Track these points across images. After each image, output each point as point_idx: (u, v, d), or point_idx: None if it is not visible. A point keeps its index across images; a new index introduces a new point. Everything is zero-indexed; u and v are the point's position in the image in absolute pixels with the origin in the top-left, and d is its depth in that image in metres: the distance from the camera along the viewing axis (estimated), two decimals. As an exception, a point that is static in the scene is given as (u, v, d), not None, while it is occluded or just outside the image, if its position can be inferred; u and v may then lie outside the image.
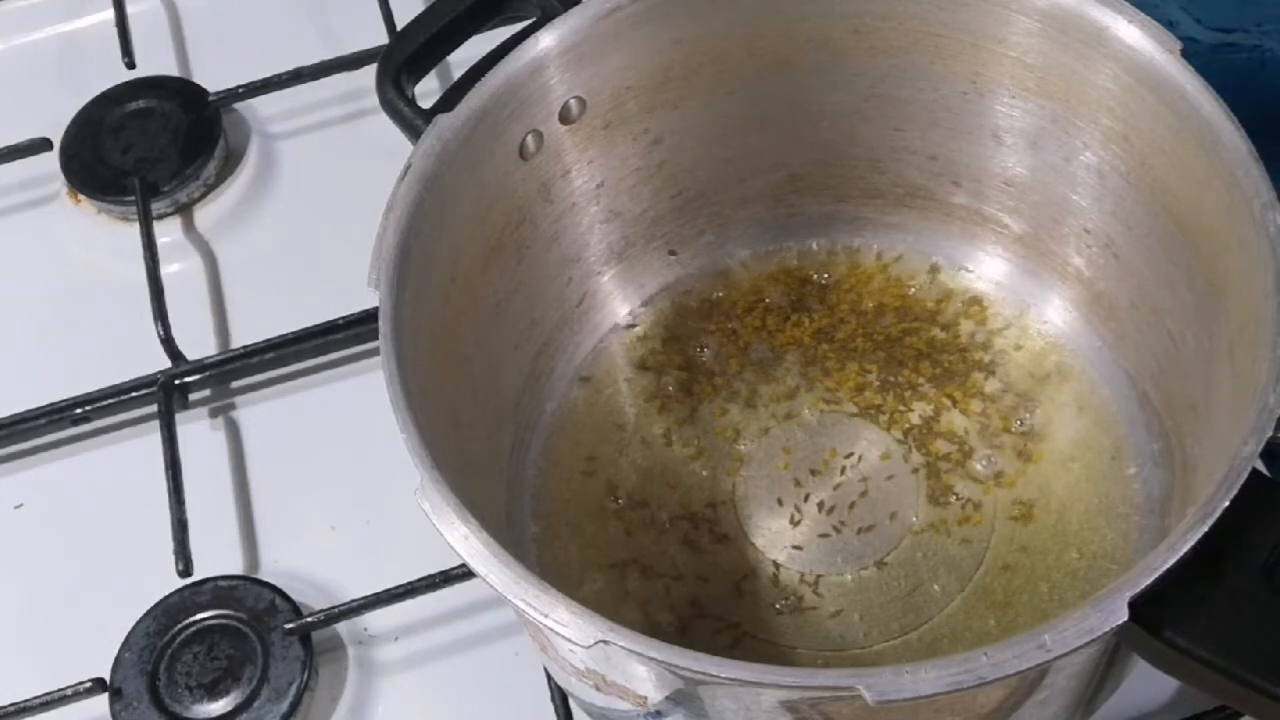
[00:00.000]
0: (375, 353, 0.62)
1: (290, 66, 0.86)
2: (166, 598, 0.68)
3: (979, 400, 0.68)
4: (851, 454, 0.68)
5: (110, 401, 0.76)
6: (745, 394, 0.70)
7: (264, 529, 0.73)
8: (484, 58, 0.61)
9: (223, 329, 0.80)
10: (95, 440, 0.77)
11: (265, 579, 0.69)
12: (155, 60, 0.91)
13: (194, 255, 0.84)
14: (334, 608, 0.67)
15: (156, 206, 0.83)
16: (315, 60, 0.86)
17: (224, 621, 0.68)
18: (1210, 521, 0.46)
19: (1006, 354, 0.70)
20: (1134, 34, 0.58)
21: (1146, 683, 0.58)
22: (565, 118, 0.63)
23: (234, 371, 0.78)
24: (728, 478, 0.68)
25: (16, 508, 0.75)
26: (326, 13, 0.93)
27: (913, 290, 0.72)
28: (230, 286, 0.82)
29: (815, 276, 0.73)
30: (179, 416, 0.75)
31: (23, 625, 0.72)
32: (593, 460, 0.69)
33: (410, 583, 0.66)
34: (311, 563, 0.71)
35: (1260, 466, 0.48)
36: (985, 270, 0.72)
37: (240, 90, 0.87)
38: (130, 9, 0.91)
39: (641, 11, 0.62)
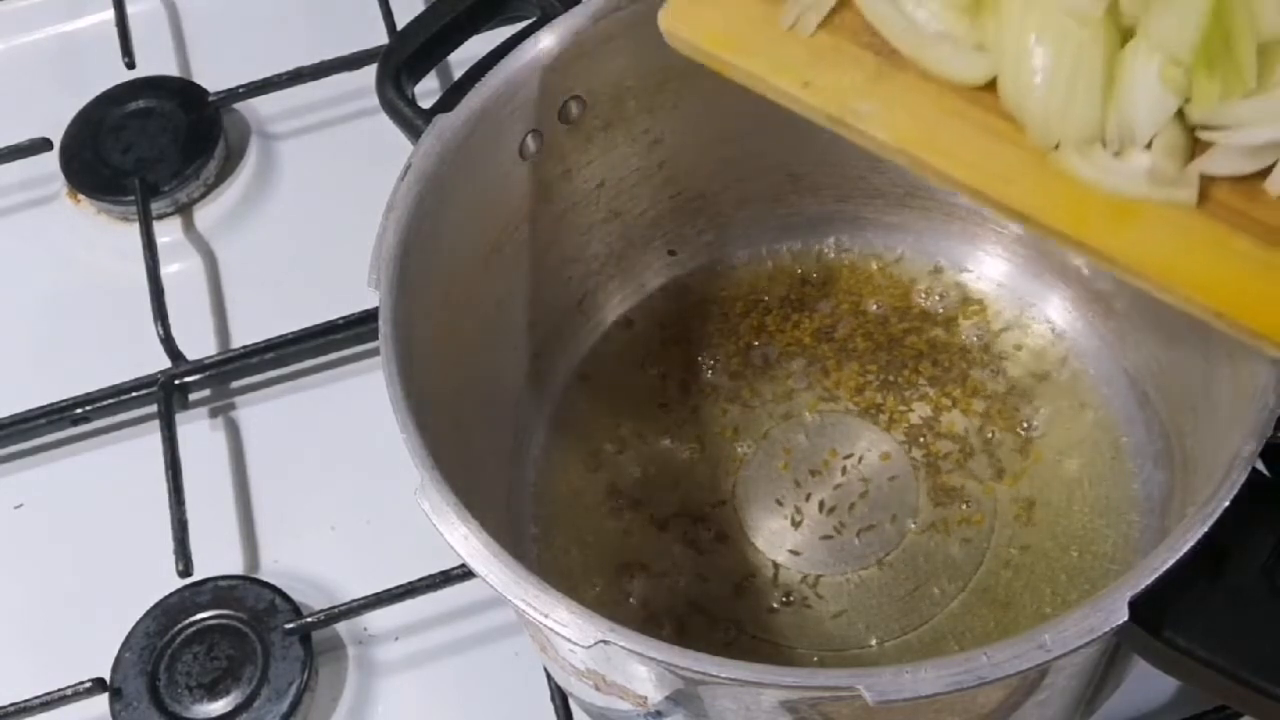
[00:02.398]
0: (375, 353, 0.62)
1: (290, 66, 0.86)
2: (166, 598, 0.68)
3: (979, 400, 0.68)
4: (852, 454, 0.68)
5: (110, 401, 0.76)
6: (745, 394, 0.70)
7: (264, 529, 0.73)
8: (484, 58, 0.61)
9: (223, 329, 0.80)
10: (95, 440, 0.77)
11: (265, 579, 0.69)
12: (155, 60, 0.91)
13: (194, 255, 0.84)
14: (334, 608, 0.67)
15: (156, 206, 0.83)
16: (315, 60, 0.86)
17: (224, 621, 0.68)
18: (1210, 521, 0.46)
19: (1007, 353, 0.70)
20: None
21: (1146, 683, 0.58)
22: (565, 118, 0.63)
23: (234, 371, 0.78)
24: (728, 478, 0.68)
25: (16, 508, 0.75)
26: (326, 13, 0.93)
27: (913, 290, 0.72)
28: (230, 286, 0.82)
29: (815, 276, 0.73)
30: (179, 416, 0.75)
31: (23, 625, 0.72)
32: (593, 460, 0.69)
33: (410, 583, 0.66)
34: (311, 563, 0.71)
35: (1260, 466, 0.48)
36: (986, 270, 0.72)
37: (240, 90, 0.87)
38: (130, 9, 0.91)
39: (641, 11, 0.62)
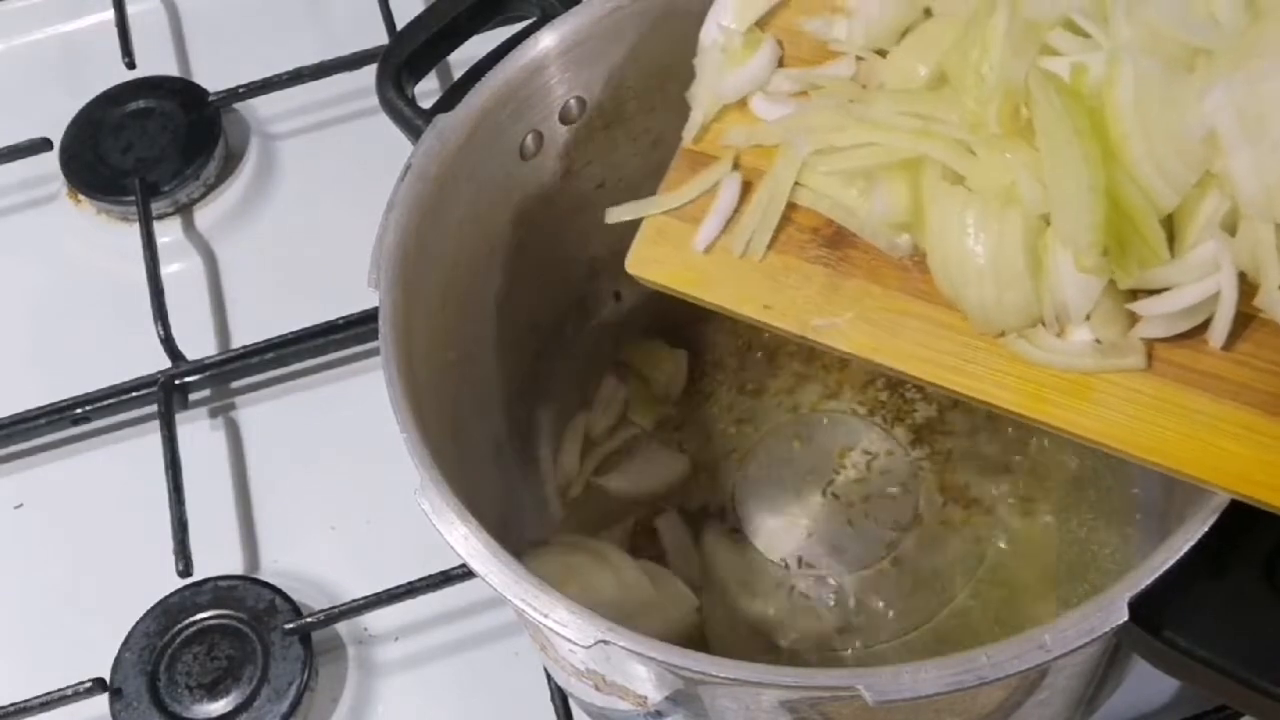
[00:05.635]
0: (375, 353, 0.62)
1: (290, 66, 0.86)
2: (166, 598, 0.68)
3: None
4: (854, 453, 0.68)
5: (110, 401, 0.76)
6: (748, 392, 0.70)
7: (264, 529, 0.73)
8: (484, 58, 0.61)
9: (223, 329, 0.80)
10: (95, 440, 0.77)
11: (265, 579, 0.69)
12: (155, 60, 0.91)
13: (194, 255, 0.84)
14: (334, 608, 0.67)
15: (156, 206, 0.83)
16: (315, 60, 0.86)
17: (224, 621, 0.68)
18: (1210, 522, 0.46)
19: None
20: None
21: (1146, 683, 0.58)
22: (565, 118, 0.63)
23: (234, 371, 0.78)
24: (730, 476, 0.68)
25: (16, 508, 0.75)
26: (326, 13, 0.93)
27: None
28: (230, 286, 0.82)
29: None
30: (179, 416, 0.75)
31: (23, 625, 0.72)
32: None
33: (410, 583, 0.66)
34: (311, 563, 0.71)
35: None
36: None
37: (240, 90, 0.87)
38: (130, 9, 0.91)
39: (641, 11, 0.62)
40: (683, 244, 0.55)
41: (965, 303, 0.50)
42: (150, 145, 0.86)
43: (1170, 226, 0.47)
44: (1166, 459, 0.47)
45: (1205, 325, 0.48)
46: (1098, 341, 0.49)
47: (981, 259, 0.48)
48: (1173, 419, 0.48)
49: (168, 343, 0.76)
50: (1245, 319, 0.48)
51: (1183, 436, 0.47)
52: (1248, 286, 0.47)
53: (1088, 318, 0.49)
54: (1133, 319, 0.49)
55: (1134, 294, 0.48)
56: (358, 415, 0.74)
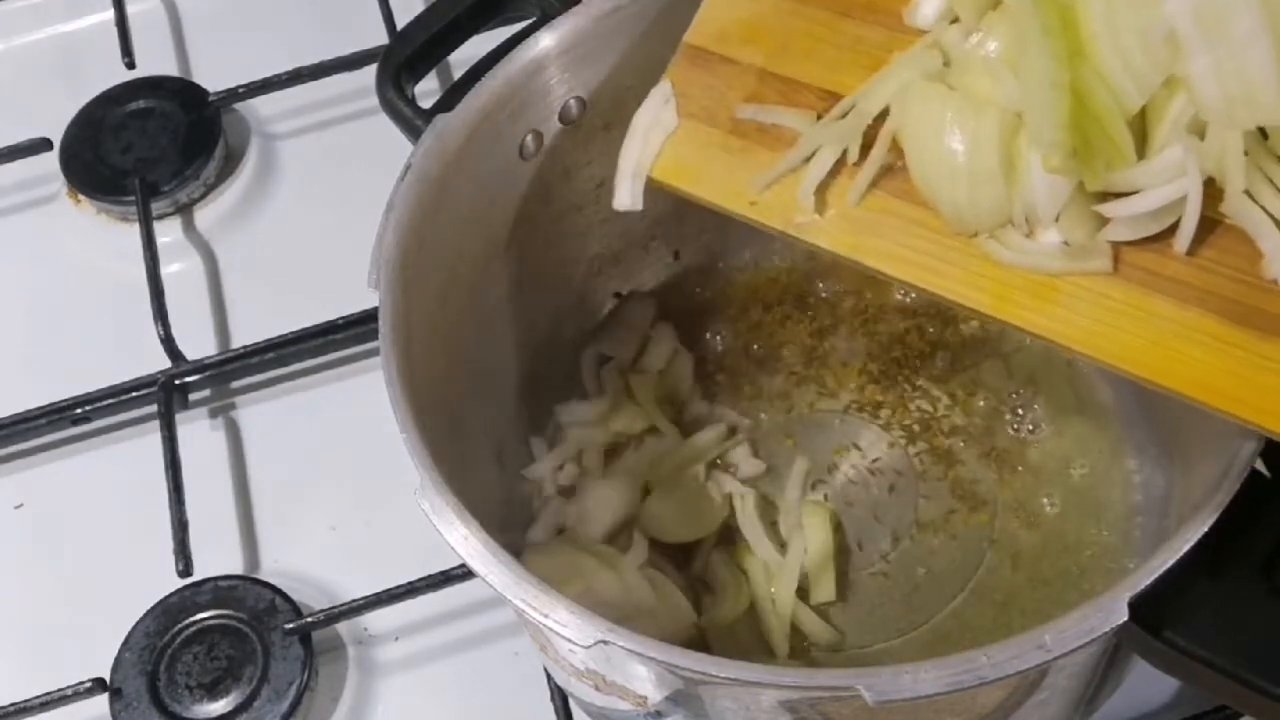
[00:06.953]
0: (375, 353, 0.62)
1: (290, 66, 0.86)
2: (166, 598, 0.68)
3: (981, 398, 0.68)
4: (852, 453, 0.68)
5: (110, 401, 0.76)
6: (746, 392, 0.70)
7: (264, 529, 0.73)
8: (484, 58, 0.61)
9: (223, 329, 0.80)
10: (95, 440, 0.77)
11: (265, 579, 0.69)
12: (155, 60, 0.91)
13: (194, 255, 0.84)
14: (334, 608, 0.67)
15: (156, 206, 0.83)
16: (315, 60, 0.86)
17: (224, 621, 0.68)
18: (1210, 522, 0.46)
19: (1009, 353, 0.69)
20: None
21: (1146, 683, 0.58)
22: (565, 118, 0.63)
23: (234, 371, 0.78)
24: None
25: (16, 508, 0.75)
26: (326, 13, 0.93)
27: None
28: (230, 286, 0.82)
29: (816, 273, 0.73)
30: (179, 416, 0.75)
31: (23, 625, 0.72)
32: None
33: (410, 583, 0.66)
34: (311, 563, 0.71)
35: (1260, 466, 0.48)
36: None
37: (240, 90, 0.87)
38: (130, 9, 0.91)
39: (641, 11, 0.62)
40: (675, 140, 0.56)
41: (940, 201, 0.50)
42: (150, 145, 0.86)
43: (1141, 129, 0.47)
44: (1129, 364, 0.47)
45: (1172, 231, 0.48)
46: (1065, 244, 0.49)
47: (958, 157, 0.49)
48: (1137, 324, 0.48)
49: (168, 343, 0.76)
50: (1211, 225, 0.48)
51: (1146, 342, 0.47)
52: (1215, 191, 0.47)
53: (1056, 219, 0.49)
54: (1101, 223, 0.49)
55: (1104, 199, 0.48)
56: (358, 415, 0.74)
